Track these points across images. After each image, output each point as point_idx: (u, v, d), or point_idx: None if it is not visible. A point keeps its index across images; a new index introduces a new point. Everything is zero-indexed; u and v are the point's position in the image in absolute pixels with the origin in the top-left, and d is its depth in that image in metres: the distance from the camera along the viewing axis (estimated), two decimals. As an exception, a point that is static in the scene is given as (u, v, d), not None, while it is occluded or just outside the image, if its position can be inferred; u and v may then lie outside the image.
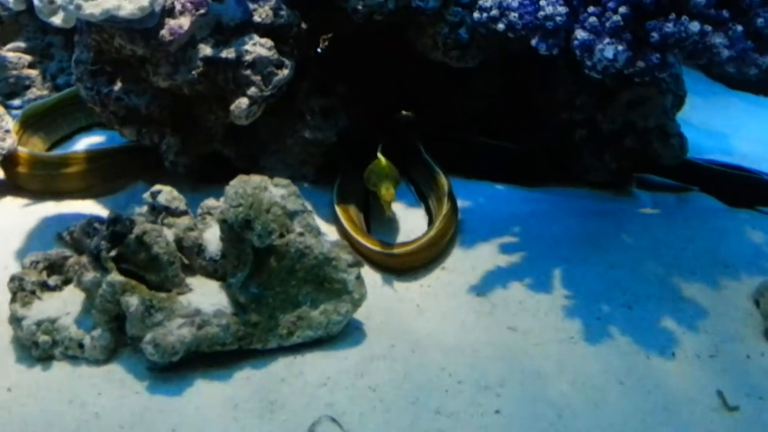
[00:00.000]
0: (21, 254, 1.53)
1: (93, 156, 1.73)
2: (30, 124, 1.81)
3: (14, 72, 1.97)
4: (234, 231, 1.24)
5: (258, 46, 1.51)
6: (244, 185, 1.23)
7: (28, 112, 1.85)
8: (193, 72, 1.50)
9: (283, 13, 1.53)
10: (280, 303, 1.28)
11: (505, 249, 1.68)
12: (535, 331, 1.46)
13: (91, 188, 1.74)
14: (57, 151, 1.84)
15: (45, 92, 2.03)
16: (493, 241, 1.71)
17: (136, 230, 1.23)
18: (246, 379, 1.27)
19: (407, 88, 2.00)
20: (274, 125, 1.80)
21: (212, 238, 1.30)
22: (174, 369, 1.26)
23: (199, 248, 1.29)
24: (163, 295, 1.23)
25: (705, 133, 2.38)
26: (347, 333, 1.38)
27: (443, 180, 1.77)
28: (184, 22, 1.43)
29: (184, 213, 1.33)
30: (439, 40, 1.75)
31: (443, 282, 1.60)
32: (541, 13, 1.34)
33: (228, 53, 1.50)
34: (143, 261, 1.24)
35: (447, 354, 1.38)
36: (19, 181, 1.72)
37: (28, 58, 2.02)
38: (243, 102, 1.52)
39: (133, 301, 1.21)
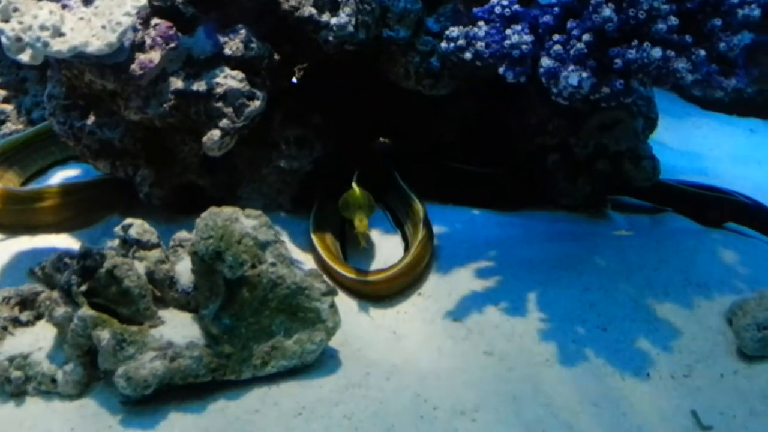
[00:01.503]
0: (-5, 290, 1.52)
1: (67, 190, 1.74)
2: (5, 158, 1.82)
3: (-11, 107, 1.98)
4: (205, 263, 1.24)
5: (229, 79, 1.52)
6: (214, 217, 1.24)
7: (3, 146, 1.85)
8: (165, 105, 1.51)
9: (253, 45, 1.55)
10: (254, 333, 1.28)
11: (481, 274, 1.70)
12: (510, 355, 1.47)
13: (65, 222, 1.74)
14: (30, 186, 1.83)
15: (20, 126, 2.03)
16: (469, 266, 1.72)
17: (107, 264, 1.23)
18: (220, 410, 1.27)
19: (381, 116, 2.02)
20: (249, 155, 1.81)
21: (184, 270, 1.30)
22: (147, 402, 1.26)
23: (171, 281, 1.29)
24: (134, 328, 1.23)
25: (679, 153, 2.41)
26: (322, 362, 1.38)
27: (418, 206, 1.78)
28: (155, 56, 1.45)
29: (155, 246, 1.33)
30: (411, 69, 1.77)
31: (419, 308, 1.61)
32: (507, 42, 1.36)
33: (199, 86, 1.51)
34: (114, 295, 1.24)
35: (423, 380, 1.39)
36: (-8, 216, 1.71)
37: (2, 92, 2.03)
38: (215, 134, 1.53)
39: (104, 335, 1.21)
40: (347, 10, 1.63)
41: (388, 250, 1.78)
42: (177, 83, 1.51)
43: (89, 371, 1.27)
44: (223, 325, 1.26)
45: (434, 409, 1.32)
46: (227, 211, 1.29)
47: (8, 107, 2.02)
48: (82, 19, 1.29)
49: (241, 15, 1.55)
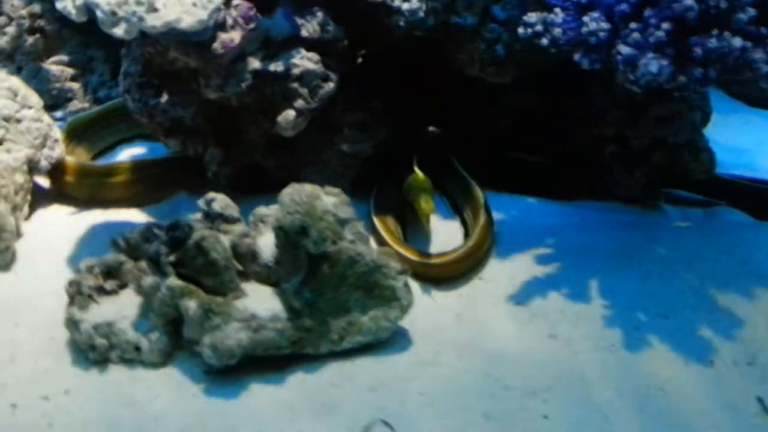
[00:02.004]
0: (73, 260, 1.56)
1: (138, 166, 1.77)
2: (75, 134, 1.85)
3: (57, 84, 2.01)
4: (289, 237, 1.27)
5: (305, 60, 1.55)
6: (299, 193, 1.27)
7: (74, 123, 1.89)
8: (242, 84, 1.54)
9: (329, 28, 1.58)
10: (332, 309, 1.31)
11: (541, 260, 1.71)
12: (575, 340, 1.48)
13: (135, 197, 1.77)
14: (103, 161, 1.87)
15: (86, 105, 2.07)
16: (528, 252, 1.74)
17: (195, 236, 1.26)
18: (299, 383, 1.30)
19: (439, 102, 2.03)
20: (313, 138, 1.83)
21: (265, 244, 1.33)
22: (229, 372, 1.29)
23: (253, 254, 1.32)
24: (220, 299, 1.26)
25: (727, 148, 2.40)
26: (394, 339, 1.40)
27: (478, 192, 1.80)
28: (236, 36, 1.47)
29: (237, 220, 1.36)
30: (476, 56, 1.79)
31: (481, 292, 1.63)
32: (585, 29, 1.38)
33: (276, 66, 1.54)
34: (201, 266, 1.27)
35: (491, 360, 1.41)
36: (66, 190, 1.75)
37: (70, 71, 2.06)
38: (290, 114, 1.56)
39: (191, 305, 1.24)
40: (419, -5, 1.65)
41: (446, 234, 1.80)
42: (254, 63, 1.54)
43: (173, 340, 1.29)
44: (305, 299, 1.28)
45: (505, 388, 1.35)
46: (309, 187, 1.32)
47: (75, 85, 2.06)
48: (172, -4, 1.32)
49: (318, -2, 1.57)
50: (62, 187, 1.75)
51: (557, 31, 1.39)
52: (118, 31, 1.29)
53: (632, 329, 1.52)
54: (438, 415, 1.27)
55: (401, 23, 1.65)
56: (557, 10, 1.42)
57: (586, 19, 1.38)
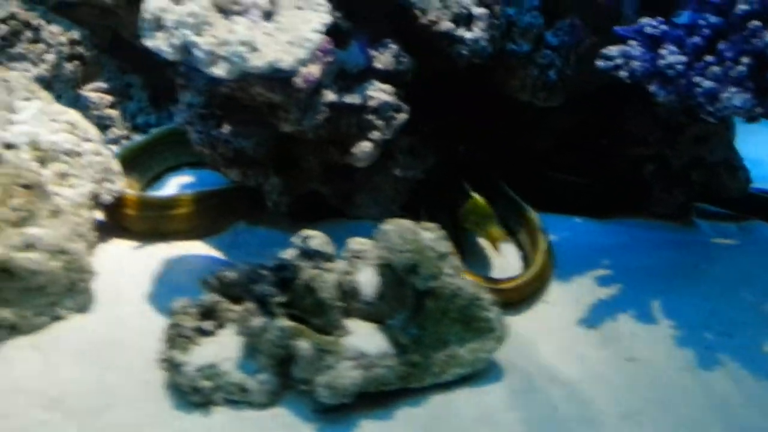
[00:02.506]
0: (153, 298, 1.54)
1: (199, 197, 1.75)
2: (126, 164, 1.82)
3: (96, 112, 1.98)
4: (397, 275, 1.28)
5: (380, 92, 1.56)
6: (403, 230, 1.28)
7: (123, 153, 1.86)
8: (318, 117, 1.54)
9: (403, 59, 1.59)
10: (434, 343, 1.33)
11: (602, 281, 1.76)
12: (653, 362, 1.53)
13: (196, 229, 1.75)
14: (164, 194, 1.84)
15: (124, 132, 2.04)
16: (587, 274, 1.78)
17: (304, 276, 1.26)
18: (406, 417, 1.31)
19: (482, 126, 2.06)
20: (331, 155, 1.83)
21: (365, 281, 1.34)
22: (337, 410, 1.29)
23: (355, 292, 1.32)
24: (330, 338, 1.27)
25: (752, 163, 2.49)
26: (486, 368, 1.42)
27: (533, 215, 1.84)
28: (315, 69, 1.47)
29: (333, 257, 1.36)
30: (528, 81, 1.83)
31: (549, 316, 1.66)
32: (662, 62, 1.42)
33: (352, 98, 1.55)
34: (309, 306, 1.27)
35: (580, 386, 1.44)
36: (126, 223, 1.72)
37: (108, 98, 2.02)
38: (366, 145, 1.57)
39: (303, 345, 1.24)
40: (481, 24, 1.68)
41: (502, 258, 1.83)
42: (330, 96, 1.55)
43: (281, 380, 1.29)
44: (411, 335, 1.30)
45: (600, 413, 1.38)
46: (409, 224, 1.33)
47: (114, 113, 2.02)
48: (266, 34, 1.31)
49: (387, 29, 1.58)
50: (122, 221, 1.72)
51: (636, 63, 1.43)
52: (218, 71, 1.28)
53: (702, 349, 1.57)
54: (543, 444, 1.30)
55: (464, 52, 1.68)
56: (633, 42, 1.46)
57: (663, 52, 1.42)
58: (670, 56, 1.42)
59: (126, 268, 1.62)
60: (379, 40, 1.58)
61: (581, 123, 2.10)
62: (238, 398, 1.30)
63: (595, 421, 1.36)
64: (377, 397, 1.32)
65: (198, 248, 1.72)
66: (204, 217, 1.76)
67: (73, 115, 1.70)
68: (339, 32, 1.52)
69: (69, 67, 1.96)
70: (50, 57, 1.94)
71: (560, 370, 1.49)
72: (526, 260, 1.81)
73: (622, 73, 1.46)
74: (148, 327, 1.47)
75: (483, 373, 1.41)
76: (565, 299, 1.70)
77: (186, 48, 1.29)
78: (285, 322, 1.25)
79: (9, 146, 1.58)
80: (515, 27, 1.74)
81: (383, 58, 1.57)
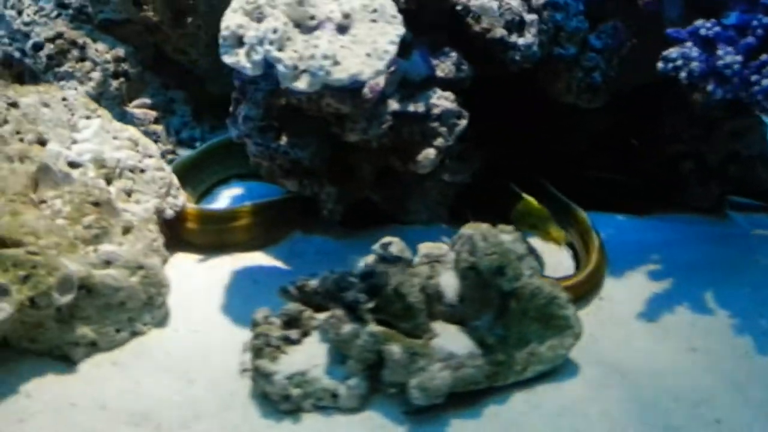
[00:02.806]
0: (227, 309, 1.57)
1: (258, 209, 1.78)
2: (179, 178, 1.84)
3: (141, 128, 1.99)
4: (483, 277, 1.32)
5: (443, 99, 1.60)
6: (487, 234, 1.32)
7: (176, 167, 1.88)
8: (383, 126, 1.57)
9: (464, 67, 1.63)
10: (516, 342, 1.37)
11: (653, 276, 1.81)
12: (713, 350, 1.58)
13: (255, 240, 1.78)
14: (223, 207, 1.87)
15: (170, 146, 2.06)
16: (638, 270, 1.83)
17: (393, 281, 1.29)
18: (493, 415, 1.35)
19: (524, 128, 2.10)
20: (391, 162, 1.86)
21: (446, 284, 1.38)
22: (427, 410, 1.33)
23: (439, 295, 1.36)
24: (419, 341, 1.30)
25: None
26: (562, 364, 1.47)
27: (582, 214, 1.89)
28: (380, 79, 1.51)
29: (412, 262, 1.39)
30: (574, 84, 1.88)
31: (607, 312, 1.71)
32: (720, 62, 1.48)
33: (416, 107, 1.59)
34: (398, 310, 1.31)
35: (651, 377, 1.49)
36: (187, 237, 1.75)
37: (153, 113, 2.05)
38: (431, 152, 1.61)
39: (395, 350, 1.28)
40: (532, 30, 1.72)
41: (554, 257, 1.87)
42: (393, 105, 1.58)
43: (370, 384, 1.33)
44: (497, 335, 1.34)
45: (675, 400, 1.43)
46: (487, 227, 1.37)
47: (158, 128, 2.04)
48: (343, 47, 1.35)
49: (445, 38, 1.62)
50: (183, 234, 1.74)
51: (694, 64, 1.49)
52: (300, 85, 1.31)
53: (759, 335, 1.63)
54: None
55: (517, 57, 1.72)
56: (688, 44, 1.52)
57: (719, 52, 1.48)
58: (727, 56, 1.47)
59: (193, 280, 1.64)
60: (439, 48, 1.62)
61: (617, 123, 2.15)
62: (328, 404, 1.33)
63: (670, 409, 1.41)
64: (463, 396, 1.36)
65: (259, 259, 1.75)
66: (262, 227, 1.79)
67: (133, 131, 1.73)
68: (401, 42, 1.55)
69: (115, 84, 1.98)
70: (96, 75, 1.96)
71: (629, 363, 1.53)
72: (577, 259, 1.86)
73: (682, 74, 1.51)
74: (227, 338, 1.50)
75: (560, 368, 1.45)
76: (621, 295, 1.75)
77: (267, 63, 1.32)
78: (377, 328, 1.29)
79: (74, 165, 1.60)
80: (562, 31, 1.79)
81: (444, 66, 1.61)
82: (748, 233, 2.00)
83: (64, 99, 1.68)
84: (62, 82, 1.94)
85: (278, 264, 1.75)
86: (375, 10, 1.37)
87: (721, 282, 1.77)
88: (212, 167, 1.97)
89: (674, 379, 1.49)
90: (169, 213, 1.69)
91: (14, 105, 1.62)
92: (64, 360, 1.43)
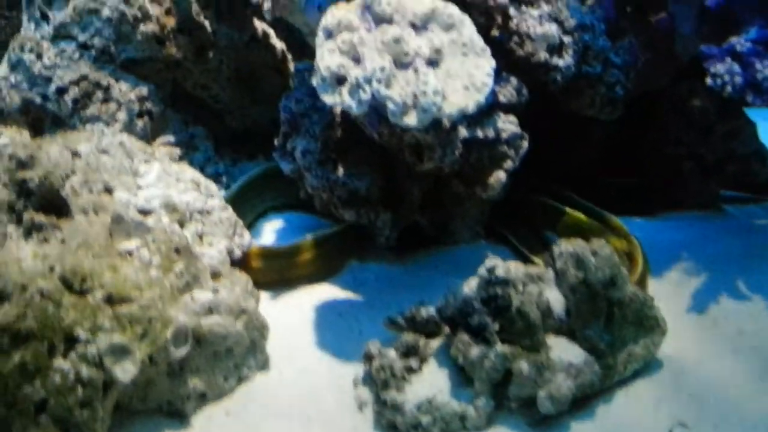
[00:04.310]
0: (325, 345, 1.63)
1: (319, 242, 1.84)
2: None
3: (169, 167, 2.01)
4: (591, 289, 1.46)
5: (508, 123, 1.74)
6: (595, 249, 1.48)
7: (222, 204, 1.91)
8: (456, 153, 1.69)
9: (524, 92, 1.77)
10: (620, 345, 1.52)
11: (689, 272, 2.02)
12: (761, 330, 1.80)
13: (317, 272, 1.85)
14: (286, 243, 1.91)
15: (196, 184, 2.07)
16: (673, 267, 2.04)
17: (515, 302, 1.41)
18: (604, 414, 1.50)
19: (544, 141, 2.27)
20: (457, 191, 2.00)
21: (553, 299, 1.51)
22: (548, 419, 1.45)
23: (549, 310, 1.49)
24: (543, 355, 1.43)
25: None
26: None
27: (617, 221, 2.07)
28: (455, 108, 1.62)
29: (518, 282, 1.52)
30: (597, 99, 2.06)
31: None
32: (760, 75, 1.69)
33: (486, 132, 1.71)
34: (520, 329, 1.43)
35: (716, 361, 1.68)
36: (252, 275, 1.78)
37: (177, 151, 2.06)
38: (501, 175, 1.74)
39: (524, 366, 1.40)
40: (570, 52, 1.89)
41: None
42: (463, 132, 1.70)
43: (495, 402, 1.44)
44: (606, 341, 1.48)
45: (743, 376, 1.62)
46: (582, 242, 1.52)
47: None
48: (436, 79, 1.45)
49: (501, 63, 1.76)
50: (247, 273, 1.78)
51: (738, 78, 1.70)
52: (410, 121, 1.40)
53: (796, 314, 1.86)
54: (719, 413, 1.52)
55: (558, 78, 1.88)
56: (728, 59, 1.73)
57: (758, 66, 1.69)
58: (766, 70, 1.69)
59: (279, 319, 1.68)
60: (498, 74, 1.75)
61: (621, 129, 2.37)
62: (456, 427, 1.42)
63: (744, 385, 1.60)
64: (575, 400, 1.50)
65: (330, 291, 1.82)
66: (324, 260, 1.86)
67: (194, 172, 1.75)
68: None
69: (140, 123, 1.99)
70: (122, 116, 1.96)
71: (694, 351, 1.72)
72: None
73: (728, 89, 1.72)
74: (332, 375, 1.56)
75: (648, 364, 1.62)
76: (666, 293, 1.94)
77: (375, 101, 1.41)
78: (505, 348, 1.40)
79: (146, 212, 1.62)
80: (590, 50, 1.97)
81: (505, 92, 1.75)
82: (756, 225, 2.26)
83: (121, 144, 1.69)
84: (88, 126, 1.93)
85: (349, 295, 1.82)
86: (465, 44, 1.48)
87: (751, 270, 1.99)
88: (251, 201, 2.02)
89: (735, 360, 1.67)
90: (237, 253, 1.73)
91: (76, 154, 1.62)
92: (176, 415, 1.45)
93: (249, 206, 2.01)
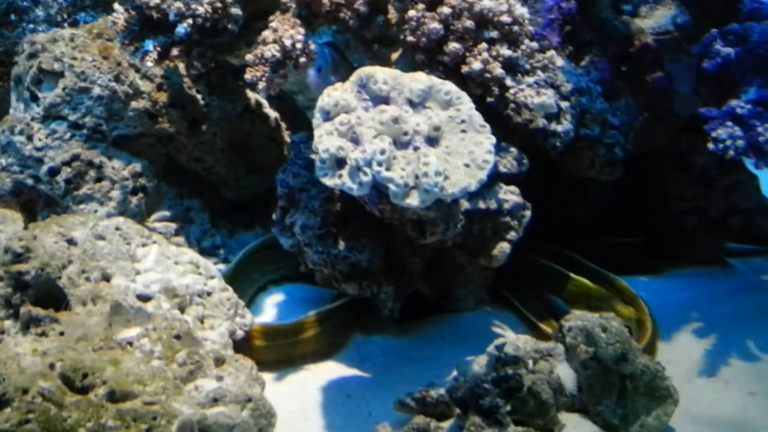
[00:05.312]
0: (336, 428, 1.63)
1: (322, 318, 1.85)
2: (227, 290, 1.89)
3: (165, 243, 2.03)
4: (602, 365, 1.48)
5: (509, 194, 1.77)
6: (605, 325, 1.49)
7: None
8: (458, 226, 1.71)
9: (525, 161, 1.81)
10: (632, 418, 1.53)
11: (699, 333, 2.04)
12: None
13: (321, 349, 1.85)
14: (288, 320, 1.91)
15: (194, 258, 2.09)
16: (681, 328, 2.06)
17: (527, 382, 1.43)
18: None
19: (544, 203, 2.31)
20: (459, 259, 2.03)
21: (564, 375, 1.52)
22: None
23: (561, 387, 1.50)
24: (555, 435, 1.44)
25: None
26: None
27: (623, 282, 2.09)
28: (455, 181, 1.65)
29: (527, 360, 1.53)
30: (597, 160, 2.11)
31: (670, 374, 1.91)
32: (762, 138, 1.73)
33: (488, 204, 1.74)
34: (533, 409, 1.44)
35: (728, 423, 1.70)
36: (255, 355, 1.78)
37: (173, 225, 2.08)
38: (505, 246, 1.76)
39: (545, 447, 1.41)
40: (568, 116, 1.93)
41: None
42: (464, 204, 1.73)
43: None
44: (619, 415, 1.50)
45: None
46: (591, 316, 1.54)
47: (181, 239, 2.08)
48: (442, 160, 1.48)
49: (500, 133, 1.79)
50: (250, 353, 1.78)
51: (740, 142, 1.74)
52: (413, 202, 1.43)
53: (808, 375, 1.89)
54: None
55: (557, 144, 1.92)
56: (729, 123, 1.77)
57: (760, 129, 1.74)
58: (766, 133, 1.73)
59: (284, 402, 1.68)
60: (497, 144, 1.78)
61: (622, 187, 2.40)
62: None
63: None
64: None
65: (333, 369, 1.83)
66: (328, 335, 1.86)
67: (192, 253, 1.77)
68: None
69: (134, 200, 2.01)
70: (116, 194, 1.98)
71: (708, 414, 1.73)
72: (628, 327, 2.06)
73: (731, 153, 1.76)
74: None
75: (660, 431, 1.64)
76: (676, 356, 1.96)
77: (376, 183, 1.43)
78: (517, 430, 1.41)
79: (145, 298, 1.63)
80: (588, 113, 2.02)
81: (506, 162, 1.78)
82: (762, 281, 2.29)
83: (118, 229, 1.70)
84: (82, 206, 1.95)
85: (355, 372, 1.83)
86: (464, 121, 1.52)
87: (762, 329, 2.02)
88: (251, 276, 2.03)
89: (745, 423, 1.71)
90: (240, 334, 1.74)
91: (72, 242, 1.63)
92: None
93: (249, 281, 2.03)
